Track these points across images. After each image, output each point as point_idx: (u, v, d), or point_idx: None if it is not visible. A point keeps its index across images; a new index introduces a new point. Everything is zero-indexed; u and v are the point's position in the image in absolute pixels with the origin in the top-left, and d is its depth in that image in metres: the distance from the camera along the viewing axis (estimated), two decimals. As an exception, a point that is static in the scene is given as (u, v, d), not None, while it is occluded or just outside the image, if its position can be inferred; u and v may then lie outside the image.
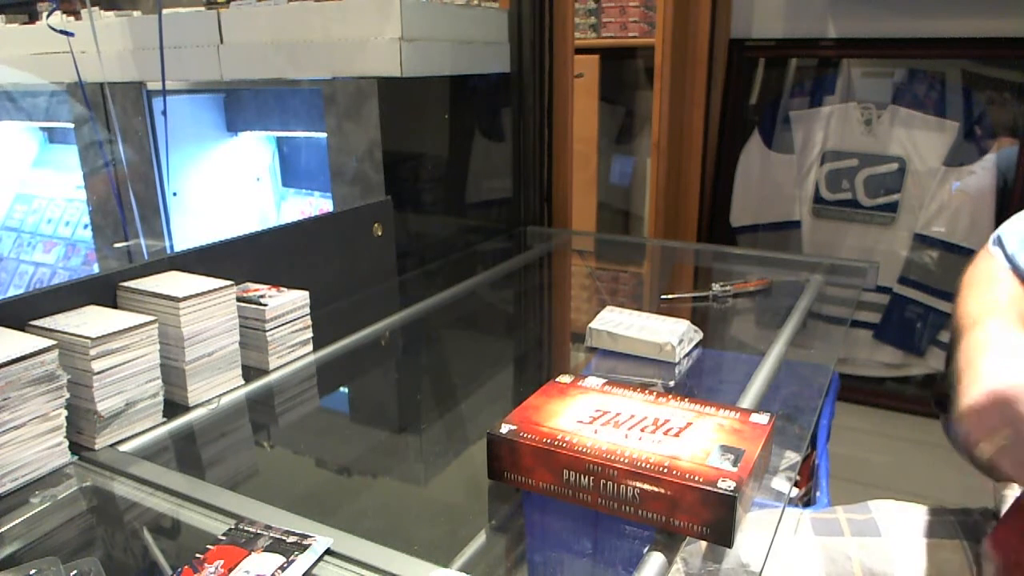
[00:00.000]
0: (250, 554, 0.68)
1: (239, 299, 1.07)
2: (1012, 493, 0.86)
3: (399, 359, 1.34)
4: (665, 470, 0.68)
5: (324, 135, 1.59)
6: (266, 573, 0.65)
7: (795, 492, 1.13)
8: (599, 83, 2.63)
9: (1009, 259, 0.83)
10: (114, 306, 1.02)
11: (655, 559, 0.66)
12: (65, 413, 0.86)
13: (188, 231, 1.98)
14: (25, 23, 2.15)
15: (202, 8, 1.74)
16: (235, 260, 1.20)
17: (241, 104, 2.01)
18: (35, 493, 0.81)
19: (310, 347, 1.19)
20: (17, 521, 0.77)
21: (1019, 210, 0.87)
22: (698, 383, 1.25)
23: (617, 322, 1.24)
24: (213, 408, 1.02)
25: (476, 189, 1.83)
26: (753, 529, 0.84)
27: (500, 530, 0.94)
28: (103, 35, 1.82)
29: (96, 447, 0.89)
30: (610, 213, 2.91)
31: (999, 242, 0.85)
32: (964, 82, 1.97)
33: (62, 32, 1.79)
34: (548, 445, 0.74)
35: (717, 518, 0.65)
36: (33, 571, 0.67)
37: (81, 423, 0.90)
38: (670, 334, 1.19)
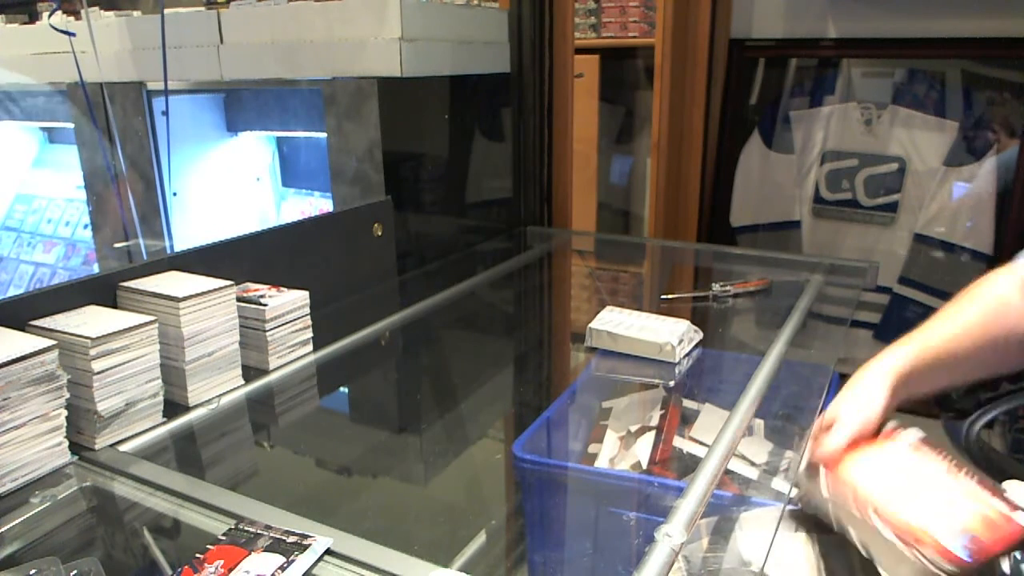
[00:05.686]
0: (250, 554, 0.68)
1: (239, 299, 1.07)
2: (1013, 487, 0.87)
3: (399, 359, 1.34)
4: None
5: (324, 135, 1.59)
6: (266, 573, 0.65)
7: (795, 492, 1.12)
8: (599, 83, 2.62)
9: None
10: (114, 306, 1.02)
11: (656, 557, 0.66)
12: (65, 413, 0.86)
13: (188, 231, 1.98)
14: (25, 23, 2.15)
15: (202, 8, 1.74)
16: (235, 260, 1.20)
17: (241, 104, 2.01)
18: (35, 493, 0.81)
19: (310, 347, 1.19)
20: (17, 521, 0.77)
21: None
22: (698, 383, 1.25)
23: (617, 322, 1.24)
24: (213, 408, 1.02)
25: (476, 189, 1.83)
26: (754, 527, 0.84)
27: (500, 530, 0.95)
28: (103, 35, 1.82)
29: (96, 447, 0.89)
30: (610, 213, 2.91)
31: None
32: (964, 82, 1.97)
33: (64, 32, 1.79)
34: None
35: None
36: (33, 571, 0.67)
37: (81, 423, 0.90)
38: (670, 334, 1.19)
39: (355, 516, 0.88)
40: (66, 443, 0.86)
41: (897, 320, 2.06)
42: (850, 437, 0.79)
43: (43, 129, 2.66)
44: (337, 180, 1.59)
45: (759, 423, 1.19)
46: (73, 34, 1.80)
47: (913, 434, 0.82)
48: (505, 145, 1.92)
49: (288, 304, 1.13)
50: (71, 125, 2.04)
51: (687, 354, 1.21)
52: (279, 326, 1.12)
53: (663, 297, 1.55)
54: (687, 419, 1.21)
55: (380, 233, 1.50)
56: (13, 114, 2.33)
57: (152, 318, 0.94)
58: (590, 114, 2.62)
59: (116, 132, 1.90)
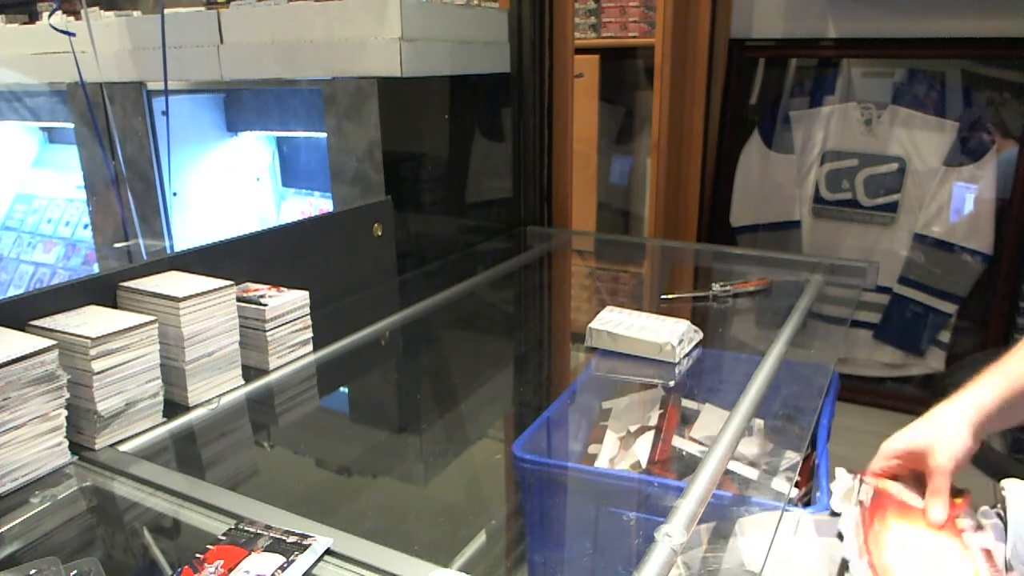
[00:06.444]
0: (250, 554, 0.68)
1: (239, 299, 1.07)
2: (1010, 484, 0.87)
3: (399, 359, 1.34)
4: None
5: (324, 135, 1.59)
6: (266, 573, 0.65)
7: (795, 492, 1.12)
8: (599, 83, 2.62)
9: None
10: (114, 306, 1.02)
11: (656, 557, 0.66)
12: (65, 413, 0.86)
13: (188, 231, 1.98)
14: (25, 23, 2.15)
15: (202, 8, 1.74)
16: (235, 260, 1.20)
17: (241, 104, 2.01)
18: (35, 493, 0.81)
19: (310, 347, 1.19)
20: (17, 521, 0.77)
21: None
22: (698, 383, 1.25)
23: (617, 322, 1.24)
24: (213, 408, 1.02)
25: (476, 189, 1.83)
26: (753, 530, 0.84)
27: (500, 530, 0.94)
28: (103, 35, 1.82)
29: (96, 447, 0.89)
30: (610, 213, 2.91)
31: None
32: (964, 82, 1.97)
33: (64, 32, 1.79)
34: None
35: None
36: (33, 571, 0.67)
37: (81, 423, 0.90)
38: (670, 334, 1.19)
39: (355, 516, 0.88)
40: (66, 443, 0.86)
41: (897, 320, 2.06)
42: (946, 488, 0.81)
43: (43, 129, 2.65)
44: (337, 180, 1.59)
45: (759, 423, 1.19)
46: (73, 34, 1.80)
47: (978, 538, 0.82)
48: (505, 145, 1.92)
49: (288, 304, 1.13)
50: (71, 125, 2.04)
51: (687, 354, 1.21)
52: (279, 326, 1.12)
53: (663, 297, 1.55)
54: (687, 419, 1.21)
55: (380, 233, 1.50)
56: (13, 114, 2.33)
57: (152, 318, 0.94)
58: (590, 114, 2.62)
59: (116, 132, 1.90)
